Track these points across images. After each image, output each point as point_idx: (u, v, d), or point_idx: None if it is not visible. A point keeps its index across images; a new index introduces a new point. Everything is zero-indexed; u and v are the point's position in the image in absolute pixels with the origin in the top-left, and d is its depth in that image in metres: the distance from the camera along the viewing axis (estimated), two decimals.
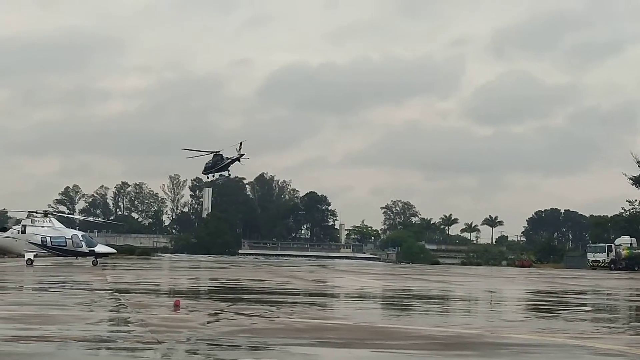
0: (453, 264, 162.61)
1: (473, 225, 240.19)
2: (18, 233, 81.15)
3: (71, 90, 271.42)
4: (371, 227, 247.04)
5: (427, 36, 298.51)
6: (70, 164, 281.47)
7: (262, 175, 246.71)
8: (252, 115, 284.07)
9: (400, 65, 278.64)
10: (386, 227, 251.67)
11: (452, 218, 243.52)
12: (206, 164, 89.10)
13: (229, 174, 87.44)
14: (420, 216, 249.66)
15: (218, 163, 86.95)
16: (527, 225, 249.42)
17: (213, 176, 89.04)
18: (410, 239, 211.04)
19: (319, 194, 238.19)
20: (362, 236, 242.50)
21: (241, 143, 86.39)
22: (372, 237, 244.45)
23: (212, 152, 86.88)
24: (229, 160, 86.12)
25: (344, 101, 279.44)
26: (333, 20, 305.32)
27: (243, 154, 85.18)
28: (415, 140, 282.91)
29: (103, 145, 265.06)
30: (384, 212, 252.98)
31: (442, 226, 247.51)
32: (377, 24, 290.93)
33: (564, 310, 33.83)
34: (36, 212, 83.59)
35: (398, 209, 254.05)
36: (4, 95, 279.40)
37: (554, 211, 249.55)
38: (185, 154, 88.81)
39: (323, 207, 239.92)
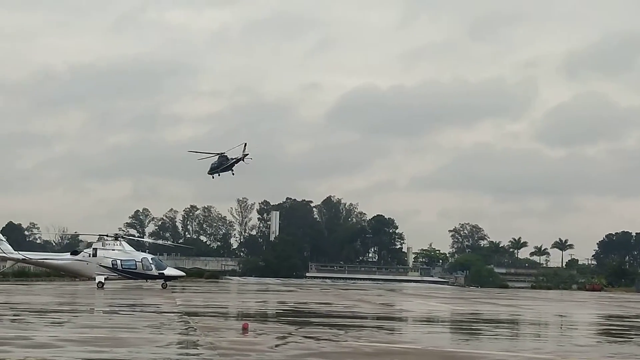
0: (522, 287, 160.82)
1: (542, 249, 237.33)
2: (89, 256, 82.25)
3: (143, 115, 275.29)
4: (439, 251, 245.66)
5: (498, 58, 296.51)
6: (141, 187, 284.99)
7: (329, 198, 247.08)
8: (320, 139, 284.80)
9: (471, 88, 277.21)
10: (454, 251, 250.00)
11: (521, 241, 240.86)
12: (212, 164, 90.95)
13: (233, 174, 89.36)
14: (488, 239, 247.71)
15: (223, 163, 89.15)
16: (597, 249, 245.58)
17: (218, 175, 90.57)
18: (479, 262, 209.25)
19: (386, 217, 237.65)
20: (429, 259, 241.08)
21: (245, 144, 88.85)
22: (440, 261, 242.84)
23: (218, 154, 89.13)
24: (234, 160, 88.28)
25: (413, 124, 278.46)
26: (403, 43, 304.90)
27: (247, 154, 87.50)
28: (484, 162, 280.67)
29: (173, 169, 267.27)
30: (452, 235, 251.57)
31: (511, 249, 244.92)
32: (447, 46, 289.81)
33: (636, 334, 33.23)
34: (107, 236, 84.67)
35: (466, 232, 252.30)
36: (80, 120, 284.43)
37: (626, 234, 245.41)
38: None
39: (390, 231, 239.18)
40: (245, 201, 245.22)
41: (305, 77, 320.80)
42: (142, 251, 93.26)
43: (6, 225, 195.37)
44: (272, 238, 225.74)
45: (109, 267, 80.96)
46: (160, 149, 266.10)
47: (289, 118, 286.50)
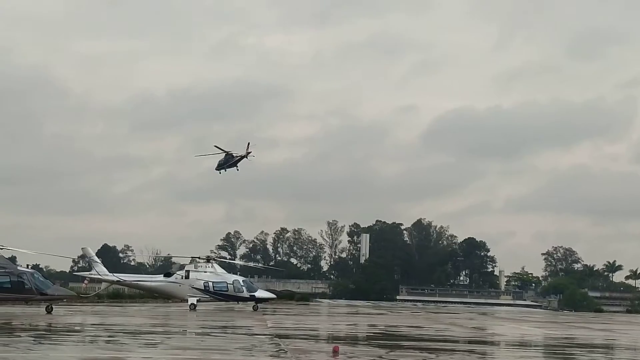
0: (617, 312, 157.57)
1: (638, 272, 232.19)
2: (182, 278, 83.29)
3: (239, 138, 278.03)
4: (531, 274, 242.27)
5: (597, 77, 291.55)
6: (234, 210, 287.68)
7: (419, 221, 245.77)
8: (415, 162, 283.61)
9: (569, 108, 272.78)
10: (547, 274, 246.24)
11: (617, 264, 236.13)
12: (219, 161, 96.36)
13: (237, 170, 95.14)
14: (582, 262, 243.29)
15: (229, 160, 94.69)
16: None
17: (225, 170, 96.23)
18: (572, 285, 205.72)
19: (478, 240, 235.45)
20: (522, 283, 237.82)
21: (249, 144, 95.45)
22: (533, 284, 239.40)
23: (224, 152, 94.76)
24: (238, 157, 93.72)
25: (509, 146, 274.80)
26: (499, 64, 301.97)
27: (250, 152, 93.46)
28: (582, 184, 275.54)
29: (266, 191, 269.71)
30: (544, 259, 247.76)
31: (605, 273, 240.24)
32: (545, 66, 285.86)
33: None
34: (199, 258, 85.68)
35: (559, 255, 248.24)
36: (176, 143, 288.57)
37: None
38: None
39: (482, 253, 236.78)
40: (335, 224, 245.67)
41: (400, 100, 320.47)
42: (233, 273, 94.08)
43: (101, 247, 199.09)
44: (362, 261, 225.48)
45: (201, 289, 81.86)
46: (254, 172, 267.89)
47: (384, 141, 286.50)
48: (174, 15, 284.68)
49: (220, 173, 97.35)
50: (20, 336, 35.96)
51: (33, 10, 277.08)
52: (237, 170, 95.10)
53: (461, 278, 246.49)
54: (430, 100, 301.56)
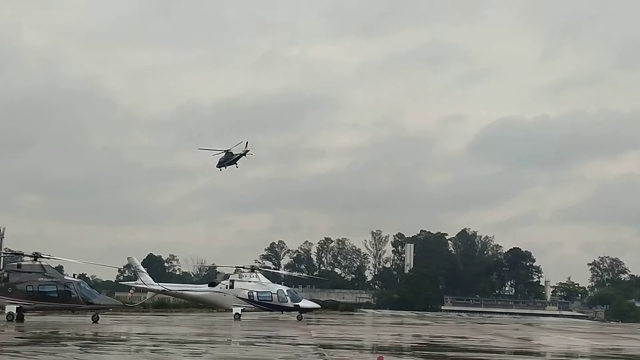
0: None
1: None
2: (226, 288, 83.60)
3: (284, 148, 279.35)
4: (578, 284, 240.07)
5: None
6: (279, 220, 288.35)
7: (464, 231, 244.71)
8: (461, 171, 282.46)
9: (617, 118, 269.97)
10: (594, 284, 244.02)
11: None
12: (220, 159, 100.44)
13: (237, 167, 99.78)
14: (629, 273, 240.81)
15: (229, 158, 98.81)
16: None
17: (225, 168, 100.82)
18: (619, 296, 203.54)
19: (523, 250, 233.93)
20: (568, 293, 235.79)
21: (247, 142, 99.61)
22: (579, 295, 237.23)
23: (224, 150, 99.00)
24: (237, 155, 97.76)
25: (557, 156, 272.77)
26: (547, 74, 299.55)
27: (248, 150, 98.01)
28: (629, 194, 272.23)
29: (311, 201, 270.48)
30: (591, 269, 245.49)
31: None
32: (593, 76, 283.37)
33: None
34: (243, 268, 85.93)
35: (606, 265, 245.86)
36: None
37: None
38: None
39: (527, 264, 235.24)
40: (380, 233, 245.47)
41: (447, 110, 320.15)
42: (277, 283, 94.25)
43: (147, 257, 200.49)
44: (406, 271, 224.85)
45: (246, 299, 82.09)
46: (300, 182, 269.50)
47: (430, 150, 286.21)
48: (220, 27, 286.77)
49: (220, 170, 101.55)
50: (67, 345, 36.30)
51: (82, 22, 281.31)
52: (237, 167, 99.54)
53: (506, 288, 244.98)
54: (478, 110, 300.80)
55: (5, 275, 64.49)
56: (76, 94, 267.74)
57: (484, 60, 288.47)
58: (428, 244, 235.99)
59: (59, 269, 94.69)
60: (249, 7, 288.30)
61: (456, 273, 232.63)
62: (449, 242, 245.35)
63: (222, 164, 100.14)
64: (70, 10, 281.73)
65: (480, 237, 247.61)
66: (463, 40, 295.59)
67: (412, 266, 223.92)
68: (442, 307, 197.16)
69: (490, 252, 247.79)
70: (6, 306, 62.59)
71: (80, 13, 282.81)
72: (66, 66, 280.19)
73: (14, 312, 61.85)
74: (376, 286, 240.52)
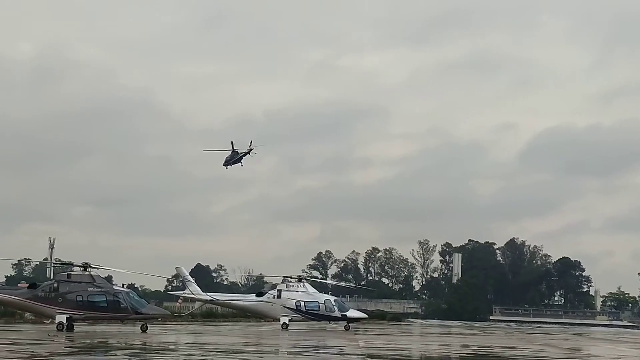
0: None
1: None
2: (274, 297, 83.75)
3: (334, 158, 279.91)
4: (628, 294, 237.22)
5: None
6: (328, 229, 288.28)
7: (512, 240, 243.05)
8: (512, 180, 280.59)
9: None
10: None
11: None
12: (226, 158, 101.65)
13: (242, 165, 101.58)
14: None
15: (234, 157, 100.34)
16: None
17: (231, 166, 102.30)
18: None
19: (572, 259, 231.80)
20: (619, 303, 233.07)
21: (251, 141, 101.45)
22: (630, 305, 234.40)
23: (230, 150, 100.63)
24: (242, 154, 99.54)
25: (610, 164, 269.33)
26: (600, 81, 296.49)
27: (252, 149, 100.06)
28: None
29: (360, 211, 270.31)
30: None
31: None
32: None
33: None
34: (291, 277, 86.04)
35: None
36: (272, 163, 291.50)
37: None
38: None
39: (577, 273, 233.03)
40: (427, 243, 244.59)
41: (498, 118, 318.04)
42: (325, 293, 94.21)
43: (195, 267, 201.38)
44: (454, 280, 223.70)
45: (293, 309, 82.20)
46: (349, 191, 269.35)
47: (480, 159, 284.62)
48: (271, 37, 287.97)
49: (227, 168, 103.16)
50: (116, 355, 36.60)
51: (137, 36, 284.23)
52: (242, 166, 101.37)
53: (555, 298, 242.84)
54: (529, 118, 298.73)
55: (56, 285, 65.17)
56: (131, 105, 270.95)
57: (536, 68, 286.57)
58: (476, 254, 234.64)
59: (109, 278, 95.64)
60: (300, 18, 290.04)
61: (505, 283, 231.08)
62: (497, 251, 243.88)
63: (228, 162, 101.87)
64: (125, 24, 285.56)
65: (529, 246, 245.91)
66: (514, 48, 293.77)
67: (460, 276, 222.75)
68: (491, 317, 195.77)
69: (539, 262, 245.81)
70: (56, 316, 63.23)
71: (135, 27, 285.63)
72: (121, 78, 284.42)
73: (64, 322, 62.46)
74: (424, 296, 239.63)
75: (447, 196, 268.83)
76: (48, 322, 65.76)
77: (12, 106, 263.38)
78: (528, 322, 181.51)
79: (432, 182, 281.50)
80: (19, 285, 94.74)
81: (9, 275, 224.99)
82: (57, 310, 63.53)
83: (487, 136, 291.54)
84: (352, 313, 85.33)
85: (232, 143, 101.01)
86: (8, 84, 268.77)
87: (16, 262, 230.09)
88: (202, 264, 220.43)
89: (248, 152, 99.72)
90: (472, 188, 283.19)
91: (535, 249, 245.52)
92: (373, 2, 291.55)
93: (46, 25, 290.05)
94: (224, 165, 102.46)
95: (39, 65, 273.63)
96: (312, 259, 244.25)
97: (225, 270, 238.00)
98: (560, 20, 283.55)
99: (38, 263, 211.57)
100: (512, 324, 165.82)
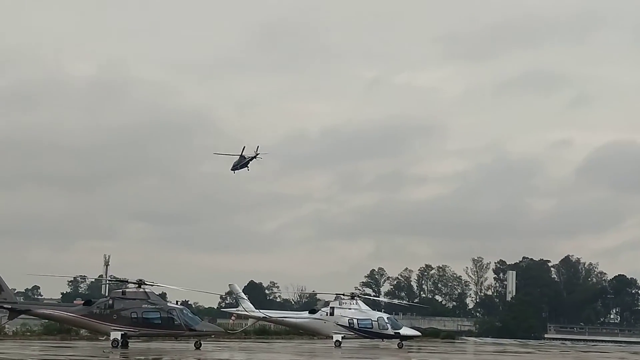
0: None
1: None
2: (327, 315, 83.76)
3: (388, 175, 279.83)
4: None
5: None
6: (381, 246, 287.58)
7: (567, 257, 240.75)
8: (567, 197, 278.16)
9: None
10: None
11: None
12: (234, 162, 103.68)
13: (248, 169, 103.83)
14: None
15: (241, 161, 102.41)
16: None
17: (238, 169, 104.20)
18: None
19: (628, 277, 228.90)
20: None
21: (258, 147, 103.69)
22: None
23: (238, 155, 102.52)
24: (249, 158, 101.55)
25: None
26: None
27: (258, 154, 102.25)
28: None
29: (413, 228, 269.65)
30: None
31: None
32: None
33: None
34: (343, 295, 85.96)
35: None
36: (326, 181, 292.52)
37: None
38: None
39: (633, 291, 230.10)
40: (481, 260, 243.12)
41: (555, 134, 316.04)
42: (377, 310, 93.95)
43: (248, 284, 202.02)
44: (508, 298, 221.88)
45: (346, 326, 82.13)
46: (403, 208, 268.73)
47: (536, 176, 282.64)
48: (327, 55, 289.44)
49: (234, 173, 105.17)
50: None
51: (195, 53, 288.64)
52: (248, 170, 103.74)
53: (611, 316, 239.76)
54: (586, 134, 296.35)
55: (110, 302, 65.83)
56: (188, 122, 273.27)
57: (593, 83, 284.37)
58: (530, 271, 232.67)
59: (163, 295, 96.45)
60: (356, 36, 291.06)
61: (559, 300, 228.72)
62: (552, 269, 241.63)
63: (235, 167, 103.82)
64: (184, 43, 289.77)
65: (584, 264, 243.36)
66: (572, 63, 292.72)
67: (514, 293, 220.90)
68: (545, 335, 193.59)
69: (594, 279, 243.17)
70: (111, 332, 63.89)
71: (193, 45, 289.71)
72: (179, 96, 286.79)
73: (119, 339, 63.08)
74: (478, 314, 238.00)
75: (501, 213, 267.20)
76: (103, 338, 66.43)
77: (72, 123, 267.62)
78: (583, 340, 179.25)
79: (486, 199, 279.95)
80: (74, 302, 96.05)
81: (64, 292, 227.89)
82: (112, 327, 64.17)
83: (543, 152, 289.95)
84: (405, 331, 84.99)
85: (243, 148, 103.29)
86: (68, 101, 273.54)
87: (72, 279, 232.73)
88: (255, 281, 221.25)
89: (254, 157, 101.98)
90: (527, 205, 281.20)
91: (591, 267, 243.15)
92: (429, 19, 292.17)
93: (106, 44, 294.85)
94: (231, 169, 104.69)
95: (99, 83, 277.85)
96: (365, 276, 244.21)
97: (278, 287, 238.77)
98: (618, 35, 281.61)
99: (93, 280, 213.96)
100: (567, 342, 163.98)
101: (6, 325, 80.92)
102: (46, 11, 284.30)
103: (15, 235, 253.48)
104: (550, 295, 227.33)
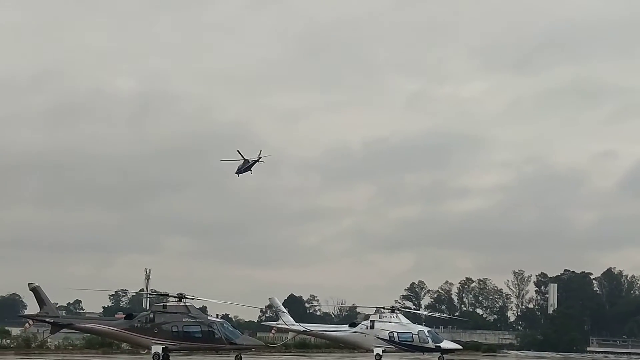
0: None
1: None
2: (367, 328, 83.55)
3: (431, 188, 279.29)
4: None
5: None
6: (423, 259, 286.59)
7: (609, 270, 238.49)
8: (611, 209, 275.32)
9: None
10: None
11: None
12: (238, 167, 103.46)
13: (251, 173, 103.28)
14: None
15: (245, 165, 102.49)
16: None
17: (242, 173, 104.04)
18: None
19: None
20: None
21: (260, 150, 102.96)
22: None
23: (243, 159, 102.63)
24: (252, 162, 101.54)
25: None
26: None
27: (260, 157, 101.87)
28: None
29: (454, 241, 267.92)
30: None
31: None
32: None
33: None
34: (384, 308, 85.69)
35: None
36: (369, 193, 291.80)
37: None
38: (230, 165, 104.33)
39: None
40: (522, 273, 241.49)
41: (599, 146, 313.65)
42: (418, 324, 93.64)
43: (288, 297, 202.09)
44: (550, 311, 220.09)
45: (386, 340, 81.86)
46: (445, 221, 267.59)
47: (579, 188, 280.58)
48: (369, 68, 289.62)
49: (238, 176, 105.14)
50: None
51: (234, 67, 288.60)
52: (251, 173, 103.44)
53: None
54: (631, 145, 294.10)
55: (151, 316, 66.12)
56: (228, 137, 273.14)
57: (638, 94, 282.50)
58: (572, 284, 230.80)
59: (203, 309, 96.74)
60: (398, 48, 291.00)
61: (602, 313, 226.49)
62: (594, 281, 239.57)
63: (239, 170, 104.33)
64: (223, 58, 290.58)
65: (627, 276, 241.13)
66: (615, 74, 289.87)
67: (555, 306, 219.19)
68: (588, 349, 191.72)
69: (637, 292, 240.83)
70: (152, 346, 64.18)
71: (232, 60, 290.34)
72: (219, 111, 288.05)
73: (160, 352, 63.35)
74: (519, 327, 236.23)
75: (543, 225, 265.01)
76: (144, 352, 66.73)
77: (112, 140, 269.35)
78: (627, 353, 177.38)
79: (529, 211, 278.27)
80: (115, 316, 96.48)
81: (106, 306, 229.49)
82: (153, 341, 64.45)
83: (587, 164, 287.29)
84: (446, 344, 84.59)
85: (239, 152, 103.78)
86: (108, 118, 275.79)
87: (113, 293, 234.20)
88: (295, 294, 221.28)
89: (257, 161, 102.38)
90: (569, 217, 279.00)
91: (633, 279, 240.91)
92: (471, 30, 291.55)
93: (145, 60, 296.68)
94: (235, 173, 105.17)
95: (139, 100, 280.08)
96: (405, 290, 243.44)
97: (318, 300, 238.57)
98: None
99: (134, 294, 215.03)
100: (610, 355, 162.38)
101: (48, 339, 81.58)
102: (87, 27, 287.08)
103: (58, 250, 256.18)
104: (593, 308, 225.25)
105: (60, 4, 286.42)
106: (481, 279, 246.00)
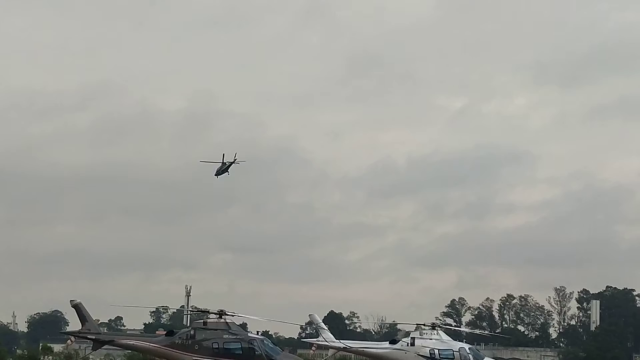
0: None
1: None
2: (407, 345, 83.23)
3: (475, 204, 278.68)
4: None
5: None
6: (466, 276, 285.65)
7: None
8: None
9: None
10: None
11: None
12: (216, 169, 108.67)
13: (228, 174, 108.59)
14: None
15: (222, 167, 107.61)
16: None
17: (221, 175, 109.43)
18: None
19: None
20: None
21: (236, 153, 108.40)
22: None
23: (221, 162, 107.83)
24: (228, 164, 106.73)
25: None
26: None
27: (236, 159, 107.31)
28: None
29: (497, 257, 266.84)
30: None
31: None
32: None
33: None
34: (424, 325, 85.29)
35: None
36: (412, 209, 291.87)
37: None
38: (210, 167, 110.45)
39: None
40: (563, 290, 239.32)
41: None
42: (459, 341, 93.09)
43: (328, 314, 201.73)
44: (592, 328, 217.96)
45: (427, 357, 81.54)
46: (489, 237, 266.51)
47: (626, 204, 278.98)
48: (414, 84, 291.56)
49: (217, 177, 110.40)
50: None
51: (281, 84, 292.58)
52: (228, 174, 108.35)
53: None
54: None
55: (192, 332, 66.39)
56: (274, 154, 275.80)
57: None
58: (615, 300, 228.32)
59: (243, 326, 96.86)
60: (443, 65, 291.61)
61: None
62: (637, 298, 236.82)
63: (218, 172, 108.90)
64: (270, 75, 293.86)
65: None
66: None
67: (598, 323, 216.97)
68: None
69: None
70: None
71: (279, 76, 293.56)
72: (265, 128, 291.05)
73: None
74: (561, 344, 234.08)
75: (588, 241, 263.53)
76: None
77: (159, 156, 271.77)
78: None
79: (574, 227, 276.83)
80: (156, 332, 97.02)
81: (147, 323, 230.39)
82: (194, 357, 64.64)
83: (634, 179, 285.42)
84: None
85: (223, 155, 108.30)
86: (157, 134, 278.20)
87: (154, 309, 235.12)
88: (335, 311, 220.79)
89: (233, 162, 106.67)
90: (614, 233, 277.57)
91: None
92: (517, 46, 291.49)
93: (193, 77, 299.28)
94: (215, 175, 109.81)
95: (187, 116, 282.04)
96: (446, 306, 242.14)
97: (358, 317, 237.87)
98: None
99: (175, 311, 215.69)
100: None
101: (90, 356, 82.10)
102: (132, 46, 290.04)
103: (100, 267, 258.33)
104: (636, 324, 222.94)
105: (108, 23, 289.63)
106: (522, 295, 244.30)
